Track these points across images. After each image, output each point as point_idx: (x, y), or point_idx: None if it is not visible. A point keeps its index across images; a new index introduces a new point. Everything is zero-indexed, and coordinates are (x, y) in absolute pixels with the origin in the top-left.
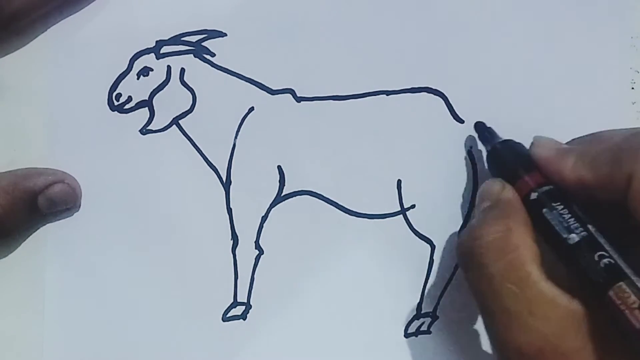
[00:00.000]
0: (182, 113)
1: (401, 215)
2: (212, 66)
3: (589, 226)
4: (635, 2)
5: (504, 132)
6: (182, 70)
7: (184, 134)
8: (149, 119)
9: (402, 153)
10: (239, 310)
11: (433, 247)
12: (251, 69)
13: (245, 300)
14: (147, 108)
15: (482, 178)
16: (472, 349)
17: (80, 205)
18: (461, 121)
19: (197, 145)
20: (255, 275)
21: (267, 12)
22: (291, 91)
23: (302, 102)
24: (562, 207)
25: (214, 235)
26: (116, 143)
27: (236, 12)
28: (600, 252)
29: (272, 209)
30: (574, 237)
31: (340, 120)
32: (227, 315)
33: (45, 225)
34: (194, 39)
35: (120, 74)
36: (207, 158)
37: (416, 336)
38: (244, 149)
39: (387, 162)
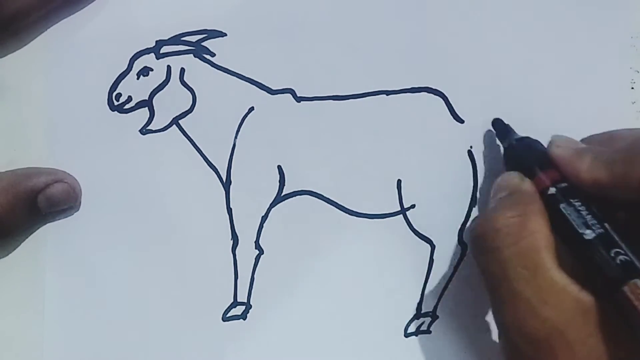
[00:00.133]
0: (182, 113)
1: (401, 215)
2: (212, 66)
3: (605, 224)
4: (635, 2)
5: None
6: (182, 70)
7: (184, 134)
8: (149, 119)
9: (402, 153)
10: (239, 310)
11: (433, 247)
12: (251, 69)
13: (245, 300)
14: (147, 108)
15: (482, 178)
16: (472, 348)
17: (80, 205)
18: (461, 121)
19: (197, 145)
20: (255, 275)
21: (267, 12)
22: (291, 91)
23: (302, 102)
24: (579, 203)
25: (214, 235)
26: (116, 143)
27: (236, 12)
28: (617, 249)
29: (272, 209)
30: (591, 233)
31: (340, 120)
32: (227, 315)
33: (45, 225)
34: (194, 39)
35: (120, 74)
36: (207, 158)
37: (416, 336)
38: (244, 149)
39: (387, 162)
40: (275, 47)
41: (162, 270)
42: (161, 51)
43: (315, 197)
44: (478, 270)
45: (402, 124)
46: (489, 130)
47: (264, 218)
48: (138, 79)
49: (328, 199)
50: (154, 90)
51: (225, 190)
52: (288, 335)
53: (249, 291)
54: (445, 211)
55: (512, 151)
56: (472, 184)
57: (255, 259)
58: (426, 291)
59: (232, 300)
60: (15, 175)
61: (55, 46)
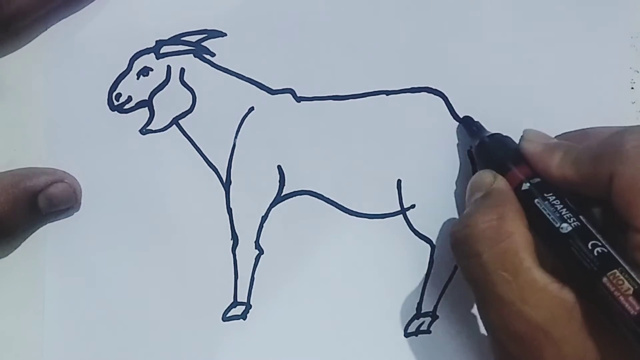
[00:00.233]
0: (182, 113)
1: (401, 215)
2: (212, 66)
3: (581, 217)
4: (635, 2)
5: (504, 132)
6: (182, 70)
7: (184, 134)
8: (149, 119)
9: (402, 153)
10: (239, 310)
11: (433, 247)
12: (251, 69)
13: (245, 300)
14: (147, 108)
15: None
16: (472, 348)
17: (80, 205)
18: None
19: (197, 145)
20: (255, 275)
21: (267, 12)
22: (291, 91)
23: (302, 102)
24: (554, 197)
25: (214, 235)
26: (116, 143)
27: (236, 12)
28: (593, 241)
29: (272, 209)
30: (567, 227)
31: (340, 120)
32: (227, 315)
33: (45, 225)
34: (194, 39)
35: (120, 74)
36: (207, 158)
37: (416, 336)
38: (244, 149)
39: (387, 162)
40: (275, 47)
41: (162, 270)
42: (161, 51)
43: (315, 197)
44: None
45: (402, 124)
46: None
47: (264, 218)
48: (138, 79)
49: (328, 199)
50: (154, 90)
51: (225, 190)
52: (288, 335)
53: (249, 291)
54: (445, 211)
55: (483, 148)
56: None
57: (255, 259)
58: (426, 291)
59: (232, 300)
60: (15, 175)
61: (55, 46)
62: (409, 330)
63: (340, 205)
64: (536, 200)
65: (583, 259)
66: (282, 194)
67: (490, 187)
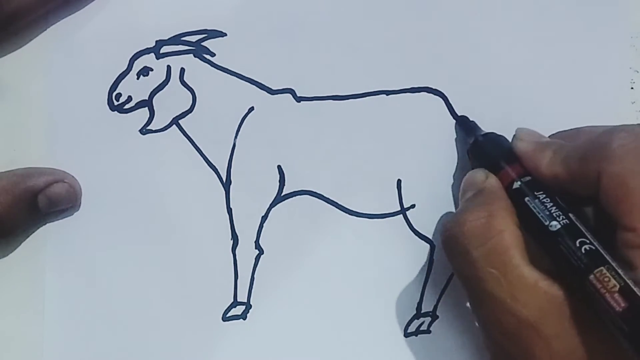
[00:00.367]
0: (182, 113)
1: (401, 215)
2: (212, 66)
3: (570, 215)
4: (636, 2)
5: (503, 132)
6: (182, 70)
7: (184, 134)
8: (149, 118)
9: (402, 153)
10: (239, 310)
11: (433, 247)
12: (251, 69)
13: (245, 300)
14: (147, 108)
15: None
16: (472, 348)
17: (80, 204)
18: None
19: (197, 145)
20: (255, 275)
21: (267, 12)
22: (291, 91)
23: (302, 102)
24: (544, 195)
25: (214, 235)
26: (116, 143)
27: (236, 12)
28: (581, 239)
29: (272, 209)
30: (556, 225)
31: (340, 120)
32: (227, 315)
33: (45, 225)
34: (194, 39)
35: (120, 74)
36: (207, 158)
37: (416, 336)
38: (244, 149)
39: (387, 162)
40: (275, 47)
41: (162, 270)
42: (161, 51)
43: (315, 197)
44: None
45: (402, 124)
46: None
47: (264, 218)
48: (138, 79)
49: (328, 199)
50: (154, 90)
51: (225, 190)
52: (288, 335)
53: (249, 291)
54: (445, 211)
55: (477, 147)
56: None
57: (255, 259)
58: (426, 291)
59: (232, 300)
60: (15, 175)
61: (55, 46)
62: (409, 330)
63: (340, 205)
64: (526, 199)
65: (571, 257)
66: (282, 194)
67: (481, 185)
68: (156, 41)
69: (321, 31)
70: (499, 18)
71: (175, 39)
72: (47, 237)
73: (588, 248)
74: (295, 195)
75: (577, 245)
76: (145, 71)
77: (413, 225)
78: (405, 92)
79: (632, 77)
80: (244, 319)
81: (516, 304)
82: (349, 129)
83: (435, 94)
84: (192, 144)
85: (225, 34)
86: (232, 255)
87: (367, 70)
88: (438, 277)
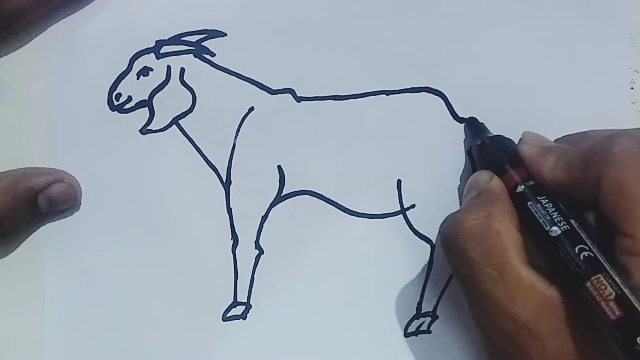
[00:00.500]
0: (182, 113)
1: (401, 215)
2: (212, 66)
3: (572, 221)
4: (636, 2)
5: (503, 132)
6: (182, 70)
7: (184, 134)
8: (149, 118)
9: (402, 153)
10: (239, 310)
11: (433, 247)
12: (251, 69)
13: (245, 300)
14: (147, 108)
15: None
16: (472, 348)
17: (80, 205)
18: (461, 121)
19: (197, 145)
20: (255, 275)
21: (267, 12)
22: (291, 91)
23: (302, 102)
24: (546, 200)
25: (214, 235)
26: (116, 143)
27: (236, 12)
28: (581, 246)
29: (272, 209)
30: (557, 230)
31: (340, 120)
32: (227, 315)
33: (45, 225)
34: (194, 39)
35: (120, 74)
36: (207, 158)
37: (416, 336)
38: (244, 149)
39: (387, 162)
40: (275, 47)
41: (162, 270)
42: (161, 51)
43: (315, 197)
44: None
45: (402, 124)
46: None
47: (264, 218)
48: (138, 79)
49: (328, 199)
50: (154, 90)
51: (225, 190)
52: (288, 335)
53: (249, 291)
54: (445, 211)
55: (483, 149)
56: None
57: (255, 259)
58: (426, 291)
59: (232, 300)
60: (15, 175)
61: (55, 46)
62: (409, 330)
63: (340, 205)
64: (529, 203)
65: (569, 263)
66: (282, 194)
67: (484, 186)
68: (156, 41)
69: (321, 31)
70: (499, 18)
71: (175, 39)
72: (47, 237)
73: (587, 255)
74: (295, 195)
75: (577, 251)
76: (145, 71)
77: (413, 225)
78: (405, 92)
79: (632, 77)
80: (244, 319)
81: (512, 305)
82: (349, 129)
83: (435, 94)
84: (192, 144)
85: (225, 34)
86: (232, 255)
87: (367, 70)
88: (438, 277)
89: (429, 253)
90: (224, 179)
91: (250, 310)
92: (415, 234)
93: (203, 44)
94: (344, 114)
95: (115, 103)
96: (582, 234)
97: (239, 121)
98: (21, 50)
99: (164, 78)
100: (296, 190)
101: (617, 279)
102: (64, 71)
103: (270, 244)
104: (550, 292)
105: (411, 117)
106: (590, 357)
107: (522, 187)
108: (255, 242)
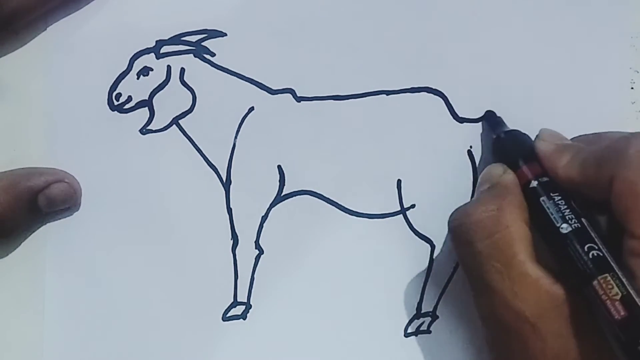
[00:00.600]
0: (182, 113)
1: (401, 215)
2: (212, 66)
3: (583, 219)
4: (635, 2)
5: None
6: (182, 70)
7: (184, 134)
8: (149, 118)
9: (402, 153)
10: (239, 310)
11: (433, 247)
12: (251, 69)
13: (245, 300)
14: (147, 108)
15: None
16: (472, 348)
17: (80, 205)
18: (461, 121)
19: (197, 145)
20: (255, 275)
21: (267, 12)
22: (291, 91)
23: (302, 102)
24: (559, 197)
25: (214, 235)
26: (116, 143)
27: (236, 12)
28: (590, 244)
29: (272, 209)
30: (567, 227)
31: (340, 120)
32: (227, 315)
33: (45, 225)
34: (194, 38)
35: (120, 74)
36: (207, 158)
37: (416, 336)
38: (244, 149)
39: (387, 162)
40: (275, 47)
41: (162, 270)
42: (161, 51)
43: (315, 197)
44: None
45: (402, 124)
46: (489, 130)
47: (264, 218)
48: (138, 78)
49: (328, 199)
50: (154, 90)
51: (225, 190)
52: (288, 335)
53: (249, 291)
54: (445, 211)
55: (499, 143)
56: (472, 184)
57: (255, 259)
58: (426, 291)
59: (232, 300)
60: (15, 175)
61: (55, 46)
62: (409, 330)
63: (340, 205)
64: (542, 199)
65: (578, 261)
66: (282, 194)
67: (497, 179)
68: (156, 41)
69: (321, 31)
70: (499, 18)
71: (175, 39)
72: (47, 237)
73: (596, 254)
74: (295, 195)
75: (585, 250)
76: (145, 71)
77: (413, 225)
78: (405, 92)
79: (632, 77)
80: (244, 319)
81: (516, 299)
82: (349, 129)
83: (435, 94)
84: (192, 144)
85: (225, 34)
86: (232, 255)
87: (367, 70)
88: (438, 277)
89: (429, 253)
90: (224, 179)
91: (250, 310)
92: (415, 234)
93: (203, 44)
94: (344, 114)
95: (115, 103)
96: (592, 233)
97: (239, 121)
98: (21, 50)
99: (164, 78)
100: (296, 190)
101: (624, 280)
102: (64, 71)
103: (270, 244)
104: (555, 289)
105: (411, 117)
106: (590, 357)
107: (536, 182)
108: (255, 242)
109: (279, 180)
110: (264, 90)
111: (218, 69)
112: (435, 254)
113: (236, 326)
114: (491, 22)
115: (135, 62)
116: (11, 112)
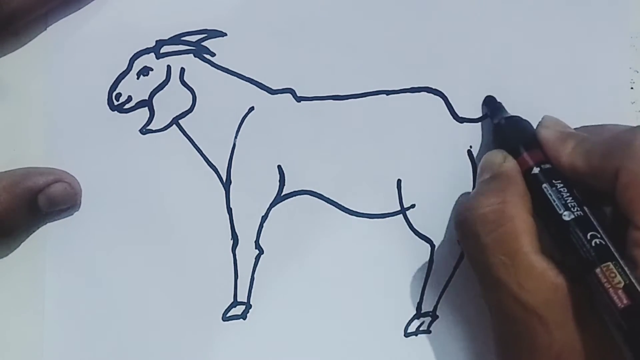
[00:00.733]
0: (182, 113)
1: (401, 215)
2: (212, 66)
3: (585, 207)
4: (635, 2)
5: None
6: (182, 70)
7: (184, 134)
8: (149, 118)
9: (402, 153)
10: (239, 310)
11: (433, 247)
12: (251, 68)
13: (245, 300)
14: (147, 108)
15: None
16: (472, 348)
17: (80, 204)
18: (461, 121)
19: (197, 145)
20: (255, 275)
21: (267, 12)
22: (291, 91)
23: (302, 102)
24: (561, 185)
25: (214, 235)
26: (116, 143)
27: (236, 12)
28: (593, 232)
29: (272, 209)
30: (569, 215)
31: (340, 120)
32: (227, 315)
33: (45, 225)
34: (194, 38)
35: (120, 74)
36: (207, 158)
37: (416, 336)
38: (244, 149)
39: (387, 162)
40: (275, 47)
41: (162, 270)
42: (161, 51)
43: (315, 197)
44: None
45: (402, 124)
46: (489, 130)
47: (264, 218)
48: (138, 78)
49: (328, 199)
50: (154, 90)
51: (225, 190)
52: (288, 335)
53: (249, 291)
54: (445, 211)
55: (500, 129)
56: (472, 184)
57: (255, 259)
58: (426, 291)
59: (232, 300)
60: (15, 175)
61: (55, 46)
62: (409, 330)
63: (340, 205)
64: (544, 185)
65: (580, 248)
66: (282, 194)
67: (499, 168)
68: (156, 41)
69: (321, 31)
70: (499, 18)
71: (175, 39)
72: (47, 237)
73: (598, 242)
74: (295, 195)
75: (588, 238)
76: (145, 71)
77: (413, 225)
78: (405, 92)
79: (632, 77)
80: (244, 318)
81: (522, 291)
82: (349, 129)
83: (435, 94)
84: (192, 144)
85: (225, 34)
86: (232, 255)
87: (367, 70)
88: (438, 277)
89: (429, 253)
90: (224, 179)
91: (250, 310)
92: (415, 234)
93: (203, 44)
94: (344, 114)
95: (115, 103)
96: (594, 222)
97: (239, 121)
98: (21, 50)
99: (164, 78)
100: (296, 190)
101: (626, 269)
102: (64, 71)
103: (270, 244)
104: (560, 280)
105: (411, 117)
106: (595, 348)
107: (537, 169)
108: (255, 242)
109: (279, 180)
110: (264, 90)
111: (218, 69)
112: (435, 254)
113: (236, 326)
114: (491, 22)
115: (135, 62)
116: (11, 112)
